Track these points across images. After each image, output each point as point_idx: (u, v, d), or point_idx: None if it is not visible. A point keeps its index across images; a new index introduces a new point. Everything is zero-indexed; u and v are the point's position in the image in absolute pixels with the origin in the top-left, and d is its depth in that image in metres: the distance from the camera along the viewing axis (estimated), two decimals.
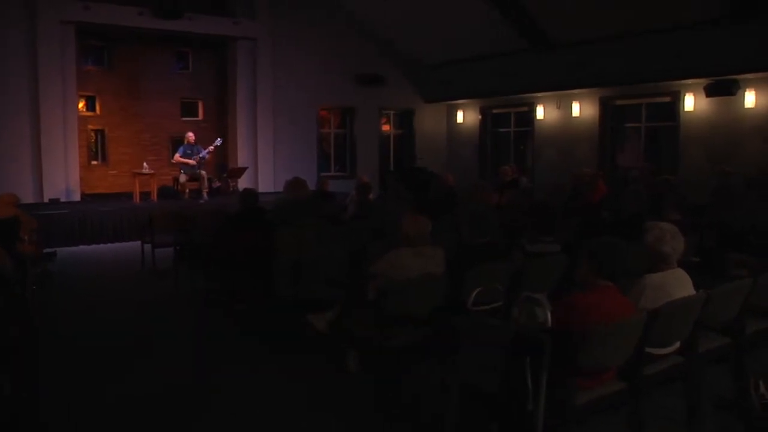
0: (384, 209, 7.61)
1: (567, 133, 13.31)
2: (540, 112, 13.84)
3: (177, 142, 13.25)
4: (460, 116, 16.16)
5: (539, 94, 13.57)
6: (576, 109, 13.01)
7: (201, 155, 12.15)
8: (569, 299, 3.20)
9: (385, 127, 16.43)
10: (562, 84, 12.67)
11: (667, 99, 11.62)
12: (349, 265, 5.16)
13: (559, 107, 13.45)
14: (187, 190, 12.20)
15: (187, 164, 12.14)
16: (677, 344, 3.56)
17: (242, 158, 14.01)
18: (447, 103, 16.29)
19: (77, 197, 12.18)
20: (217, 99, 14.67)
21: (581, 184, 8.75)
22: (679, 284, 3.52)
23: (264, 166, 14.11)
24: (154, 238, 8.41)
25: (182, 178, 12.15)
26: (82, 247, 10.45)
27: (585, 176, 8.95)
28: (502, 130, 15.47)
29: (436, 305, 4.20)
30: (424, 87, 15.99)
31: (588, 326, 2.98)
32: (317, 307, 4.84)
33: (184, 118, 14.36)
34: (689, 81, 10.85)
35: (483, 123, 15.65)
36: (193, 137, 12.39)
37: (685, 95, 11.13)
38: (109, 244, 10.74)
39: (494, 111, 15.49)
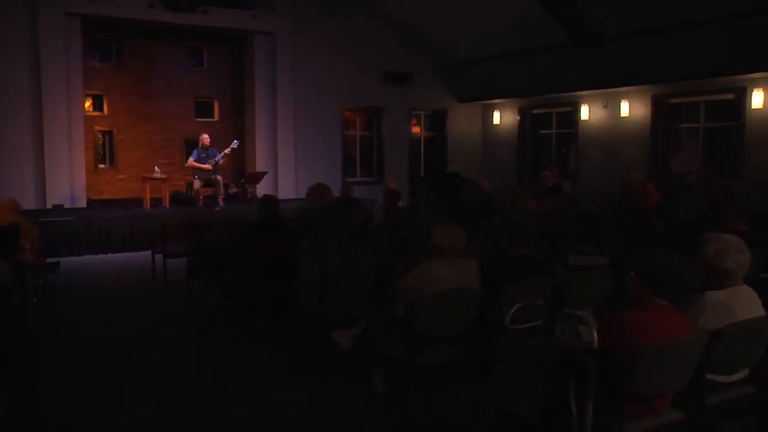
0: (414, 217, 7.59)
1: (615, 135, 13.15)
2: (585, 112, 13.71)
3: (191, 145, 13.39)
4: (496, 117, 16.08)
5: (584, 93, 13.44)
6: (625, 108, 12.85)
7: (216, 159, 12.25)
8: (617, 317, 3.13)
9: (415, 129, 16.42)
10: (609, 81, 12.53)
11: (730, 96, 11.40)
12: (375, 277, 5.15)
13: (606, 106, 13.30)
14: (202, 197, 12.31)
15: (201, 169, 12.25)
16: (746, 371, 3.46)
17: (261, 162, 14.11)
18: (482, 103, 16.22)
19: (83, 203, 12.37)
20: (234, 98, 14.82)
21: (631, 190, 8.61)
22: (746, 303, 3.40)
23: (285, 171, 14.20)
24: (165, 247, 8.47)
25: (196, 183, 12.27)
26: (88, 257, 10.58)
27: (635, 182, 8.81)
28: (543, 131, 15.35)
29: (470, 322, 4.18)
30: (457, 85, 15.96)
31: (638, 347, 2.91)
32: (341, 322, 4.84)
33: (199, 119, 14.53)
34: (757, 75, 10.62)
35: (522, 124, 15.55)
36: (208, 139, 12.47)
37: (752, 91, 10.89)
38: (117, 254, 10.86)
39: (534, 111, 15.38)
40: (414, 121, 16.32)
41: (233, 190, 13.38)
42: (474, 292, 4.23)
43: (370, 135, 15.82)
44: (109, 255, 10.81)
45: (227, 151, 12.45)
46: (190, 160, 12.39)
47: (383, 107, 15.43)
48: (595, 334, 3.00)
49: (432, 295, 4.10)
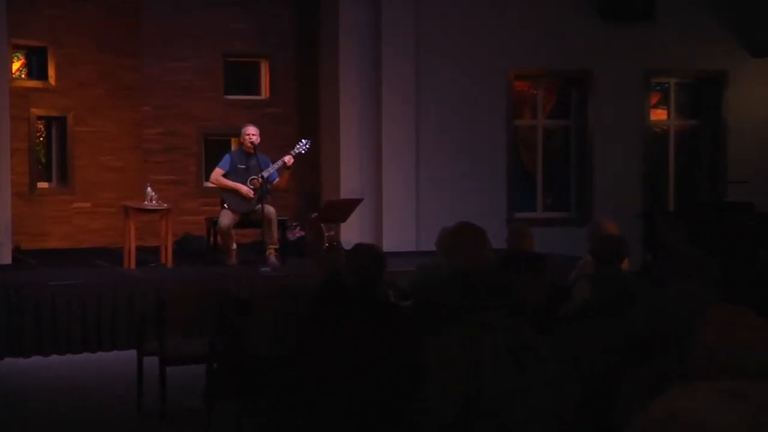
0: (656, 294, 7.49)
1: None
2: None
3: (218, 147, 13.77)
4: None
5: None
6: None
7: (266, 174, 12.41)
8: None
9: (659, 114, 16.30)
10: None
11: None
12: (580, 413, 5.09)
13: None
14: (236, 246, 12.56)
15: (237, 192, 12.48)
16: None
17: (350, 183, 14.42)
18: None
19: (6, 257, 12.77)
20: (299, 59, 15.21)
21: None
22: None
23: (395, 200, 14.40)
24: (165, 344, 8.65)
25: (225, 219, 12.43)
26: (12, 362, 10.82)
27: None
28: None
29: None
30: (747, 24, 15.77)
31: None
32: None
33: (230, 96, 14.99)
34: None
35: None
36: (256, 137, 12.57)
37: None
38: (72, 356, 11.09)
39: None
40: (656, 98, 16.20)
41: (297, 233, 13.62)
42: None
43: (564, 126, 15.94)
44: (55, 357, 11.05)
45: (287, 159, 12.60)
46: (217, 174, 12.64)
47: (593, 71, 15.45)
48: None
49: None
